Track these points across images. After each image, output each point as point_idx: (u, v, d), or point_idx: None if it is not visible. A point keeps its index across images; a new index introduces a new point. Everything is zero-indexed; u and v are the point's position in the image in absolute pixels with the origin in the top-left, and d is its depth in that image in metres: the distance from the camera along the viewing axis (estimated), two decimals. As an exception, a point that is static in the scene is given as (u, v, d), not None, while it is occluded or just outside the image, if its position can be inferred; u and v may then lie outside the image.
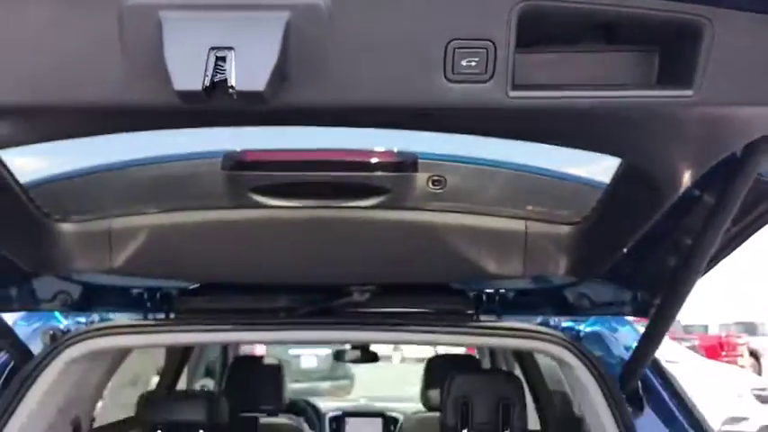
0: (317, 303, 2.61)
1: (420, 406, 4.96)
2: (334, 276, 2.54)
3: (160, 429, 3.18)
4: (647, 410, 2.49)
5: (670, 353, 12.63)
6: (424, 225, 2.32)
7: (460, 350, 5.40)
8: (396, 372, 12.29)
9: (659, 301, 2.32)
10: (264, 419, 4.24)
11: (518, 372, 4.34)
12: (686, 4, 1.21)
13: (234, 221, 2.28)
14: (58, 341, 2.56)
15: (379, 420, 5.47)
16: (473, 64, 1.25)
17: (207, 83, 1.18)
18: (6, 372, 2.60)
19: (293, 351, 9.62)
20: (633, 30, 1.32)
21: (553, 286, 2.64)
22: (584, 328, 2.87)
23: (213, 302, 2.68)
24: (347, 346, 5.58)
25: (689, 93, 1.28)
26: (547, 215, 2.36)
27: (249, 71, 1.18)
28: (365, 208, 2.20)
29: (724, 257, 2.12)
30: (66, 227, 2.32)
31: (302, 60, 1.24)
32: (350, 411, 5.84)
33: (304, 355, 10.05)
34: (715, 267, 2.16)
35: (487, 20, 1.23)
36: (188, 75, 1.18)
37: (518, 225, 2.35)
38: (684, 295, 2.04)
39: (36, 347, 2.62)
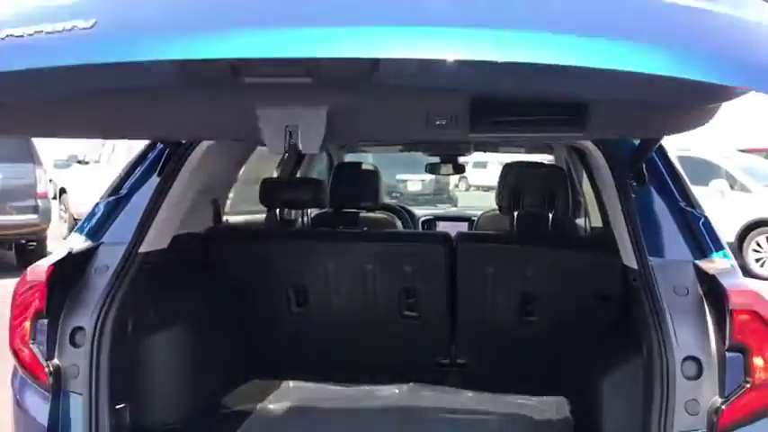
0: None
1: None
2: None
3: (278, 207, 3.99)
4: (648, 185, 3.09)
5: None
6: None
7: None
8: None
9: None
10: (363, 214, 4.84)
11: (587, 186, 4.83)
12: (576, 94, 1.93)
13: None
14: None
15: (465, 224, 6.10)
16: (444, 122, 2.05)
17: (286, 147, 2.03)
18: (163, 158, 3.24)
19: (400, 176, 10.34)
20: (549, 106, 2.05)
21: None
22: None
23: None
24: (437, 159, 6.23)
25: (581, 134, 2.17)
26: None
27: (308, 140, 2.03)
28: None
29: None
30: None
31: (339, 129, 2.04)
32: (441, 216, 6.54)
33: (410, 180, 10.82)
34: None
35: (450, 105, 2.03)
36: (276, 143, 2.04)
37: None
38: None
39: (183, 139, 3.30)
